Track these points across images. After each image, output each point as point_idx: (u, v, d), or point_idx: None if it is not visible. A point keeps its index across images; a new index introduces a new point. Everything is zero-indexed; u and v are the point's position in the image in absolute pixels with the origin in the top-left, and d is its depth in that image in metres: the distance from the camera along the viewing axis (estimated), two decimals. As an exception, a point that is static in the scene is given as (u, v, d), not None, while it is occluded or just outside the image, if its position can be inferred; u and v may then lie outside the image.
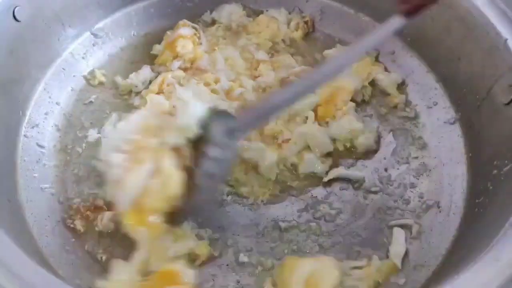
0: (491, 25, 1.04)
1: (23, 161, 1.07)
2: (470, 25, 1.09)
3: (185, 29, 1.26)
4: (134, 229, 0.87)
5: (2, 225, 0.80)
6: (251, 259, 0.99)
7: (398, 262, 0.99)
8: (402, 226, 1.05)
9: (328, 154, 1.13)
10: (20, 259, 0.75)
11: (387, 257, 1.00)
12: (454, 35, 1.14)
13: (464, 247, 0.95)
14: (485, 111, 1.08)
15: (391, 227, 1.04)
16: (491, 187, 0.99)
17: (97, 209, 1.01)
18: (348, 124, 1.14)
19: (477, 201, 1.01)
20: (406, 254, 1.00)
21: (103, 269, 0.95)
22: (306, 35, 1.36)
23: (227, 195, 1.06)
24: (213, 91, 1.16)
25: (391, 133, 1.19)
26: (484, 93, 1.07)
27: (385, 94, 1.25)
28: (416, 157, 1.14)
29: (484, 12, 1.05)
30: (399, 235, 1.02)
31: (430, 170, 1.12)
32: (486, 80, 1.07)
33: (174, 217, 0.89)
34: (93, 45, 1.27)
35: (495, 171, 0.99)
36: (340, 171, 1.11)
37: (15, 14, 1.03)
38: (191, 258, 0.96)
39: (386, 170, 1.13)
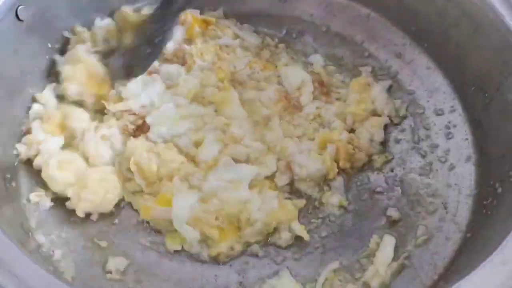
0: (501, 20, 1.01)
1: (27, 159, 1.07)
2: (479, 20, 1.06)
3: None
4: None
5: (2, 226, 0.80)
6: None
7: (381, 270, 0.97)
8: (407, 227, 1.03)
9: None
10: (20, 260, 0.76)
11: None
12: (462, 30, 1.11)
13: (471, 249, 0.93)
14: (494, 110, 1.05)
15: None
16: (499, 189, 0.96)
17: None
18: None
19: (484, 202, 0.99)
20: (409, 256, 0.99)
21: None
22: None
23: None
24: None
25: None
26: (493, 91, 1.05)
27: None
28: (423, 157, 1.12)
29: (494, 7, 1.02)
30: (389, 242, 1.00)
31: (437, 170, 1.10)
32: (495, 77, 1.04)
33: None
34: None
35: (503, 172, 0.96)
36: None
37: (18, 13, 1.03)
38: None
39: (392, 170, 1.11)
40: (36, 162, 1.04)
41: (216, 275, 0.98)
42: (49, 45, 1.16)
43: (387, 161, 1.12)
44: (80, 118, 1.09)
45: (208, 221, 0.97)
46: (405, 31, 1.27)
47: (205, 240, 0.98)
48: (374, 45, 1.29)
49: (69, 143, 1.08)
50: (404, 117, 1.18)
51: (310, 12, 1.35)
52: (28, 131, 1.08)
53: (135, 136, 1.08)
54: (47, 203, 1.02)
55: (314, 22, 1.34)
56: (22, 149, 1.06)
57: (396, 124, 1.17)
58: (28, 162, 1.06)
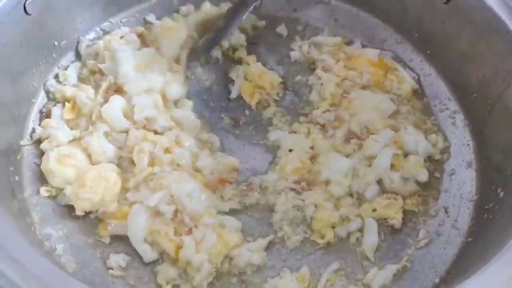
0: (505, 28, 1.02)
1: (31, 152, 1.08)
2: (482, 28, 1.07)
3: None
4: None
5: (8, 218, 0.80)
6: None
7: (371, 256, 0.99)
8: (409, 231, 1.03)
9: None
10: (26, 252, 0.75)
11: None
12: (465, 38, 1.13)
13: (473, 253, 0.93)
14: (495, 116, 1.07)
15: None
16: (501, 193, 0.97)
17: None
18: None
19: (486, 207, 1.00)
20: (410, 259, 0.99)
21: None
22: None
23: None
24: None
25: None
26: (496, 98, 1.06)
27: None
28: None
29: (498, 15, 1.03)
30: (371, 225, 1.01)
31: (438, 175, 1.10)
32: (497, 84, 1.05)
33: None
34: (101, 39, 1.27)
35: (505, 177, 0.97)
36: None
37: (26, 7, 1.03)
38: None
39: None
40: (43, 145, 1.05)
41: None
42: (55, 43, 1.17)
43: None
44: (87, 94, 1.12)
45: (167, 233, 0.95)
46: (408, 37, 1.28)
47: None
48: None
49: (78, 137, 1.08)
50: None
51: (314, 17, 1.36)
52: (48, 115, 1.10)
53: None
54: (64, 198, 1.01)
55: (316, 25, 1.35)
56: (38, 131, 1.08)
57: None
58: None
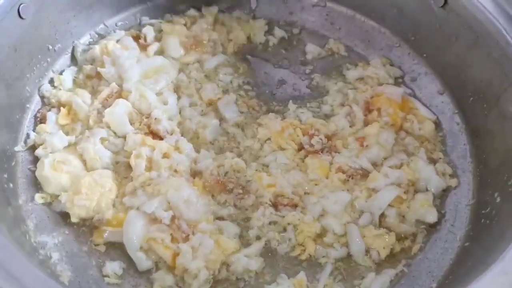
0: (501, 33, 1.02)
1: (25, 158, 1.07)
2: (479, 33, 1.07)
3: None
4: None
5: (2, 229, 0.79)
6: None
7: (363, 263, 0.98)
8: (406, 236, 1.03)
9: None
10: (19, 262, 0.74)
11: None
12: (462, 42, 1.13)
13: (470, 259, 0.93)
14: (492, 120, 1.07)
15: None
16: (498, 198, 0.97)
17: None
18: None
19: (483, 212, 1.00)
20: (408, 264, 0.99)
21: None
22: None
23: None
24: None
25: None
26: (493, 102, 1.06)
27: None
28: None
29: (494, 19, 1.03)
30: (352, 231, 0.99)
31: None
32: (494, 88, 1.05)
33: None
34: (97, 43, 1.26)
35: (502, 182, 0.97)
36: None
37: (20, 11, 1.02)
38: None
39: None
40: (38, 151, 1.04)
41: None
42: (50, 47, 1.16)
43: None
44: (84, 98, 1.11)
45: (163, 240, 0.94)
46: (404, 40, 1.28)
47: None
48: (373, 54, 1.30)
49: (73, 143, 1.07)
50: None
51: (311, 20, 1.36)
52: (43, 120, 1.09)
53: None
54: (60, 205, 1.01)
55: (314, 29, 1.35)
56: (33, 137, 1.07)
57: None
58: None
